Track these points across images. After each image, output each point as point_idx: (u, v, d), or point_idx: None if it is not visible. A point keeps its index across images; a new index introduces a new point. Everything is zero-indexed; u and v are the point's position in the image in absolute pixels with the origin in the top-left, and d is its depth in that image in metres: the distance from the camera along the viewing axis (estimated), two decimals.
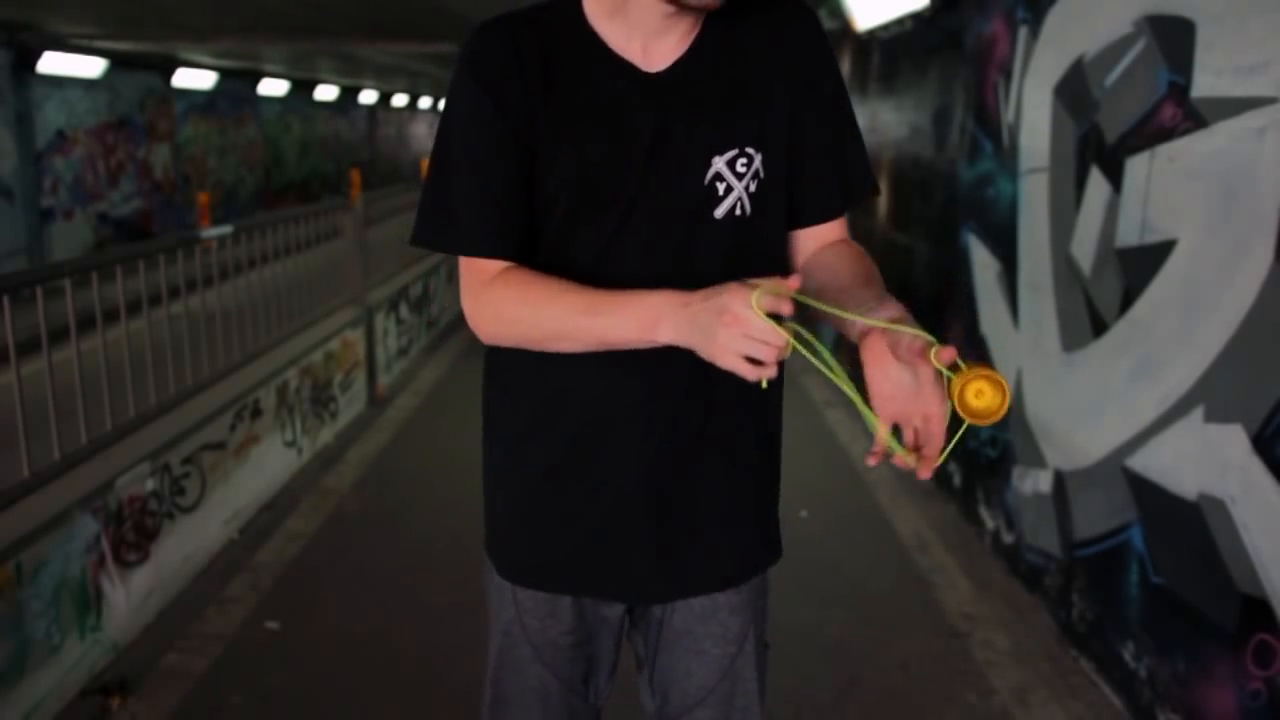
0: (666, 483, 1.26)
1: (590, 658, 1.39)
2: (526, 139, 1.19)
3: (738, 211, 1.22)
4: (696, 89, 1.20)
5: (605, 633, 1.39)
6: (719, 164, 1.20)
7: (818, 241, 1.30)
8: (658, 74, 1.20)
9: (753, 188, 1.22)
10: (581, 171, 1.19)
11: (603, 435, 1.25)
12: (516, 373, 1.29)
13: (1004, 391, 1.04)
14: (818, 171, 1.27)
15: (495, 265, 1.21)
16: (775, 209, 1.25)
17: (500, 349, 1.29)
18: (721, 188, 1.20)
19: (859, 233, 5.89)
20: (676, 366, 1.18)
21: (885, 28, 5.26)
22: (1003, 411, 1.05)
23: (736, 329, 1.01)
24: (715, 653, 1.35)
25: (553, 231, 1.22)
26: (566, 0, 1.22)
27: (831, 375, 1.09)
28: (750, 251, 1.23)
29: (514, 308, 1.19)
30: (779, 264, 1.28)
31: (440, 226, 1.23)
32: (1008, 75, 3.52)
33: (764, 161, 1.22)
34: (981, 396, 1.04)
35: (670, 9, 1.14)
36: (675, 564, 1.30)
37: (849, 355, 1.14)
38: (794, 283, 1.03)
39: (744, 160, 1.21)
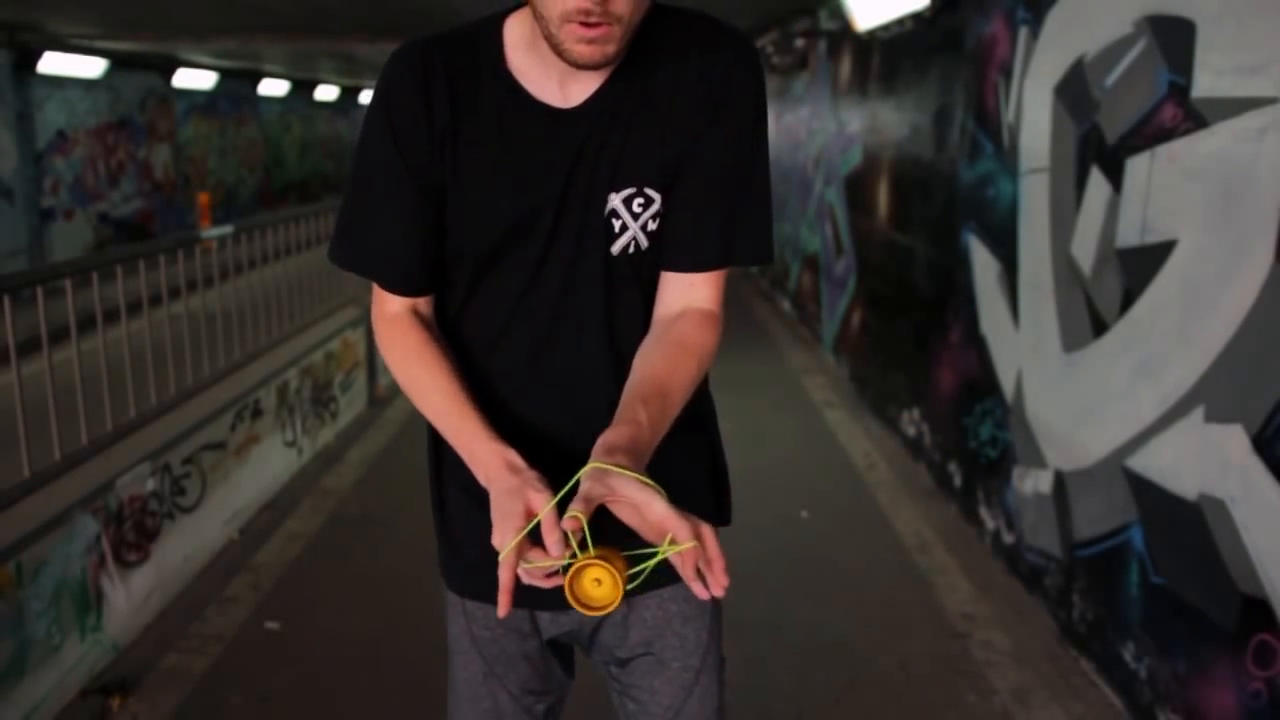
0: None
1: (544, 674, 1.37)
2: (430, 178, 1.19)
3: (631, 250, 1.21)
4: (604, 125, 1.17)
5: (555, 647, 1.38)
6: (614, 201, 1.18)
7: (685, 294, 1.23)
8: (572, 110, 1.17)
9: (651, 226, 1.20)
10: (495, 221, 1.19)
11: (533, 450, 1.24)
12: None
13: (621, 585, 1.00)
14: (693, 214, 1.21)
15: (394, 302, 1.26)
16: None
17: None
18: (617, 225, 1.19)
19: (859, 233, 5.92)
20: (603, 388, 1.22)
21: (885, 28, 5.26)
22: (613, 607, 1.01)
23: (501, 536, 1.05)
24: (676, 666, 1.33)
25: (471, 271, 1.23)
26: (489, 28, 1.20)
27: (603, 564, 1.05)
28: (647, 289, 1.24)
29: (398, 372, 1.25)
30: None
31: (349, 249, 1.26)
32: (1008, 75, 3.52)
33: (665, 203, 1.20)
34: (600, 586, 1.01)
35: None
36: None
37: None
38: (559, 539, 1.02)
39: (641, 200, 1.19)
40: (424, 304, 1.27)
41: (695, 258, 1.23)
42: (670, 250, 1.23)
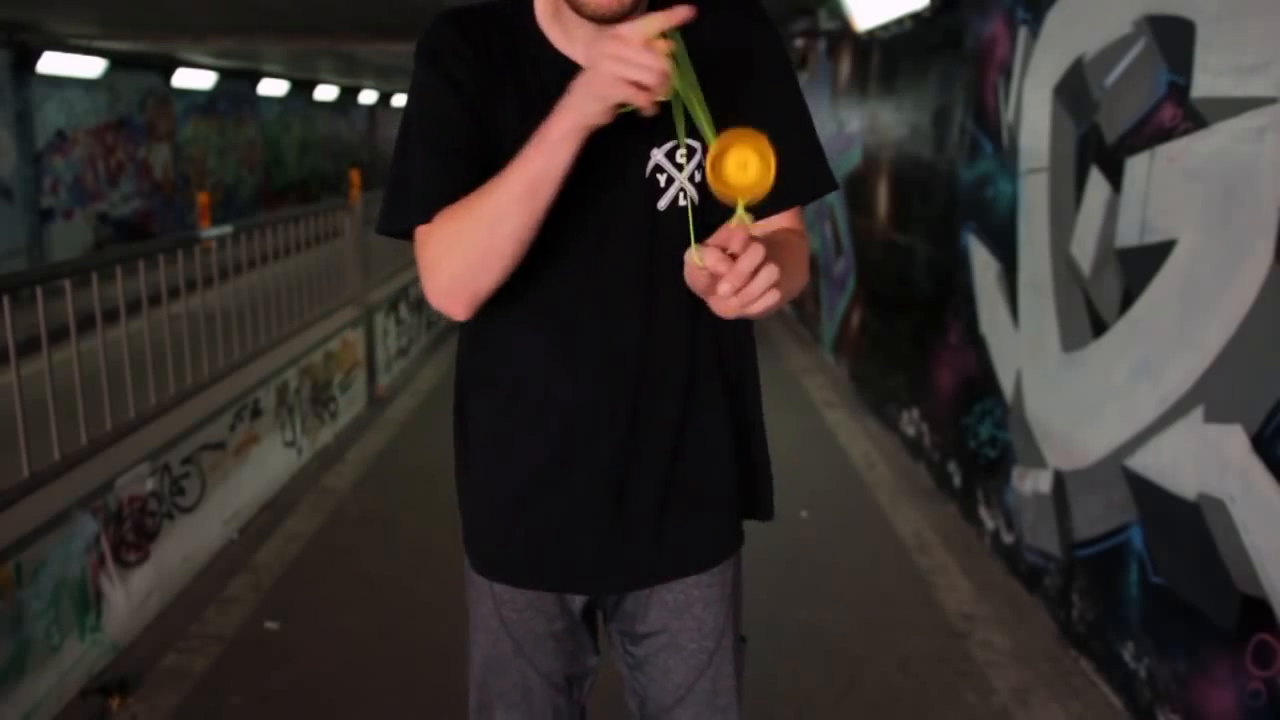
0: (624, 476, 1.28)
1: (571, 653, 1.40)
2: (480, 118, 1.20)
3: (681, 201, 1.22)
4: None
5: (582, 626, 1.40)
6: (658, 155, 1.22)
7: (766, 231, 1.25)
8: None
9: (698, 177, 1.22)
10: None
11: (561, 431, 1.28)
12: (480, 369, 1.33)
13: (770, 165, 0.92)
14: None
15: None
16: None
17: (468, 347, 1.33)
18: (663, 179, 1.22)
19: (859, 233, 5.92)
20: (627, 361, 1.24)
21: (885, 28, 5.26)
22: (766, 187, 0.93)
23: (618, 47, 1.00)
24: (692, 648, 1.36)
25: None
26: (520, 2, 1.24)
27: (695, 112, 1.03)
28: (704, 240, 1.23)
29: (452, 224, 1.16)
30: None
31: (398, 208, 1.21)
32: (1007, 75, 3.52)
33: (706, 151, 1.21)
34: (746, 170, 0.94)
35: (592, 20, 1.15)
36: (634, 555, 1.32)
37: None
38: (681, 13, 1.00)
39: (683, 151, 1.22)
40: None
41: (779, 198, 1.21)
42: None
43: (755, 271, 0.99)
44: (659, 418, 1.27)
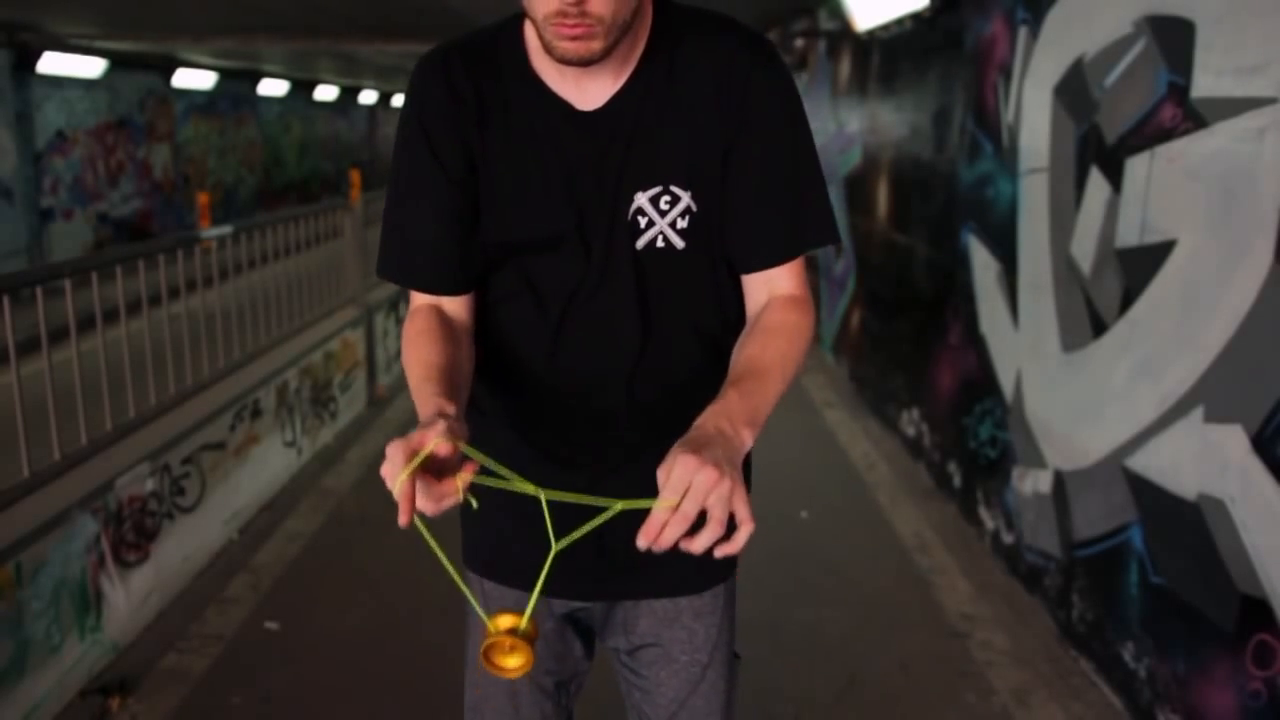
0: (608, 492, 1.28)
1: (560, 654, 1.40)
2: (462, 175, 1.21)
3: (660, 244, 1.22)
4: (626, 126, 1.19)
5: (570, 628, 1.41)
6: (641, 199, 1.21)
7: (766, 289, 1.25)
8: (592, 112, 1.19)
9: (681, 224, 1.21)
10: (526, 217, 1.22)
11: (545, 444, 1.29)
12: (482, 379, 1.34)
13: (532, 656, 1.04)
14: (749, 216, 1.22)
15: (421, 297, 1.27)
16: (713, 245, 1.24)
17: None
18: (643, 222, 1.21)
19: (859, 233, 5.92)
20: (615, 389, 1.25)
21: (885, 28, 5.26)
22: (524, 671, 1.04)
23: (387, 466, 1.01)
24: (684, 660, 1.35)
25: (504, 266, 1.25)
26: (509, 31, 1.23)
27: (514, 485, 1.06)
28: (681, 284, 1.24)
29: (403, 355, 1.24)
30: (726, 298, 1.27)
31: (387, 259, 1.28)
32: (1007, 75, 3.52)
33: (695, 199, 1.21)
34: (514, 653, 1.04)
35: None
36: (614, 573, 1.31)
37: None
38: (443, 449, 1.02)
39: (668, 198, 1.20)
40: (450, 302, 1.27)
41: (765, 255, 1.24)
42: (739, 254, 1.24)
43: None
44: (644, 444, 1.26)
